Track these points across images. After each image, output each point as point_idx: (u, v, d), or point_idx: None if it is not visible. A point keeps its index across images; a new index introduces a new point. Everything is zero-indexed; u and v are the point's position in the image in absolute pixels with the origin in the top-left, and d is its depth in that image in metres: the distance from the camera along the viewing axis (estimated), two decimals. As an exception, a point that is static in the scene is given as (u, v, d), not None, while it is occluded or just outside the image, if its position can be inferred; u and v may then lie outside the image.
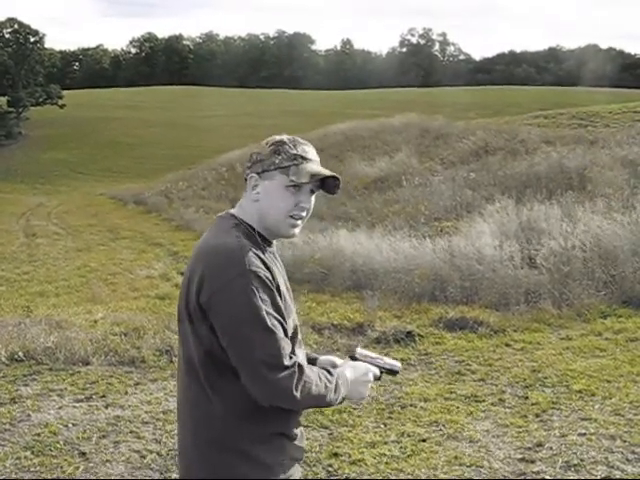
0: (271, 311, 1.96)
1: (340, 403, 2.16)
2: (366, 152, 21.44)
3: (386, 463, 4.35)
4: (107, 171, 44.27)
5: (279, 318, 1.98)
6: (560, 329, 7.45)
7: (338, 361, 2.31)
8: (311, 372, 2.02)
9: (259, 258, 1.99)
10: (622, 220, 9.48)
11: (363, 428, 4.94)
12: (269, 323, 1.94)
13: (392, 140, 21.66)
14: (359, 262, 9.97)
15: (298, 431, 2.15)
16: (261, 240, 2.07)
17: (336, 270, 10.08)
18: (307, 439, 4.66)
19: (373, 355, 2.32)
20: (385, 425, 5.01)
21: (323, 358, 2.33)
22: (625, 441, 4.55)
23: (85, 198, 31.95)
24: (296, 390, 1.95)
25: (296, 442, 2.13)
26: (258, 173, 2.08)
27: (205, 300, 1.95)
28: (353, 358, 2.28)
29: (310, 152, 2.13)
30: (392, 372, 2.34)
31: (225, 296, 1.94)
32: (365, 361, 2.27)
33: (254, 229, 2.08)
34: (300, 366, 1.98)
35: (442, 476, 4.14)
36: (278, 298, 2.00)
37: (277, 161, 2.06)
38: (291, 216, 2.09)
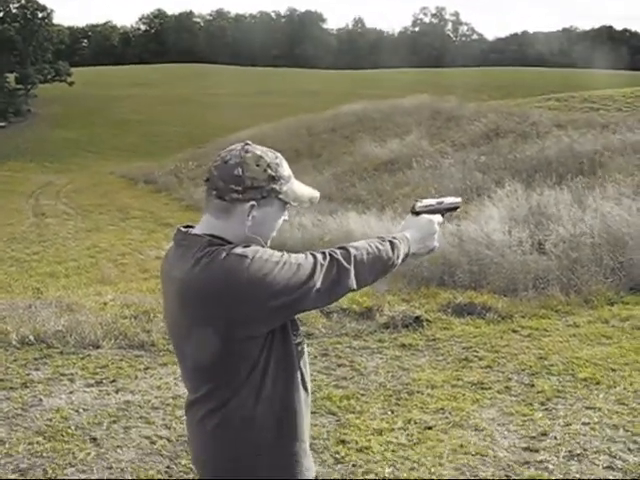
0: (287, 261, 1.94)
1: (405, 260, 2.19)
2: (377, 133, 21.38)
3: (392, 451, 4.41)
4: (116, 149, 44.24)
5: (299, 262, 1.96)
6: (567, 316, 7.47)
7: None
8: (356, 244, 2.05)
9: (246, 246, 1.96)
10: (632, 206, 9.46)
11: (370, 415, 5.00)
12: (293, 270, 1.93)
13: (403, 122, 21.57)
14: (368, 245, 9.98)
15: None
16: None
17: (345, 253, 10.10)
18: (315, 425, 4.74)
19: (433, 202, 2.36)
20: (392, 412, 5.06)
21: None
22: (628, 430, 4.59)
23: (94, 177, 31.98)
24: (349, 265, 1.99)
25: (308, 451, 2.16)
26: (257, 200, 1.99)
27: (243, 318, 1.91)
28: (415, 213, 2.31)
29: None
30: (455, 208, 2.40)
31: (257, 304, 1.91)
32: (427, 211, 2.31)
33: (231, 242, 2.01)
34: (333, 251, 2.01)
35: (447, 464, 4.19)
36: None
37: (277, 187, 2.01)
38: None
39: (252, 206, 1.98)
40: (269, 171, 2.00)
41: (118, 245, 14.43)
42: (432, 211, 2.33)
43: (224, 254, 1.92)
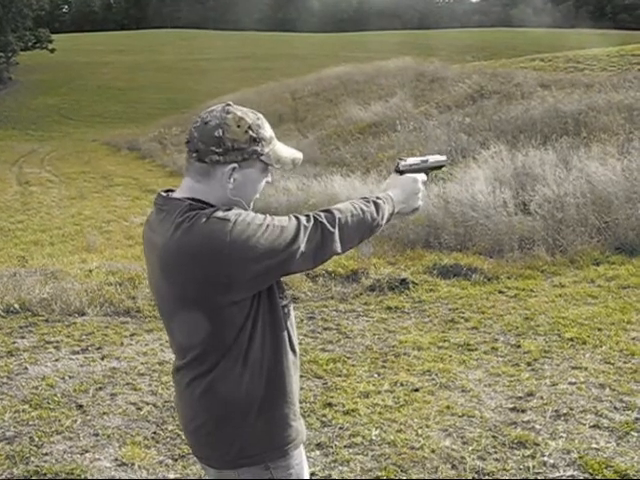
0: (271, 223, 1.91)
1: (390, 220, 2.20)
2: (361, 96, 21.22)
3: (379, 413, 4.41)
4: (99, 117, 43.77)
5: (282, 224, 1.92)
6: (553, 276, 7.48)
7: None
8: (340, 206, 2.03)
9: (229, 209, 1.92)
10: (616, 166, 9.44)
11: (357, 378, 5.00)
12: (276, 233, 1.89)
13: (387, 84, 21.41)
14: (353, 209, 9.95)
15: None
16: None
17: (330, 217, 10.06)
18: (301, 389, 4.73)
19: (417, 161, 2.33)
20: (379, 374, 5.07)
21: None
22: (614, 390, 4.62)
23: (78, 144, 31.66)
24: (333, 228, 1.96)
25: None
26: (238, 162, 1.94)
27: (225, 282, 1.86)
28: (399, 172, 2.28)
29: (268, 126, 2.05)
30: (440, 167, 2.37)
31: (239, 266, 1.86)
32: (411, 170, 2.29)
33: (213, 205, 1.96)
34: (317, 214, 1.98)
35: (434, 426, 4.20)
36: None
37: (258, 149, 1.96)
38: None
39: (233, 168, 1.94)
40: (250, 132, 1.95)
41: (103, 212, 14.31)
42: (416, 170, 2.29)
43: (205, 218, 1.87)
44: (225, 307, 1.90)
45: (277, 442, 2.03)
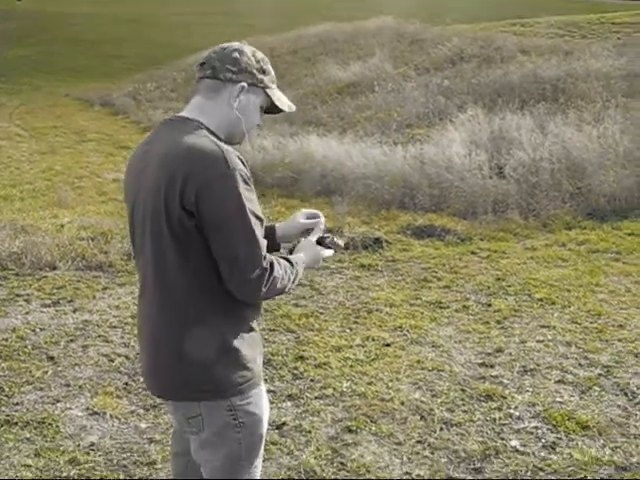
0: (254, 210, 2.01)
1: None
2: (339, 56, 20.98)
3: (350, 366, 4.47)
4: (71, 70, 42.70)
5: (261, 217, 2.04)
6: (525, 239, 7.57)
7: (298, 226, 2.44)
8: (279, 268, 2.08)
9: (238, 158, 2.01)
10: (592, 133, 9.50)
11: (329, 332, 5.04)
12: (252, 222, 1.99)
13: (366, 44, 21.17)
14: (329, 167, 9.93)
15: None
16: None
17: (306, 175, 10.04)
18: (274, 342, 4.77)
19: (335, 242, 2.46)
20: (351, 330, 5.11)
21: (282, 227, 2.45)
22: (580, 348, 4.72)
23: (49, 98, 30.96)
24: (265, 287, 2.03)
25: (259, 335, 2.25)
26: (247, 84, 2.12)
27: (193, 201, 1.95)
28: (319, 243, 2.39)
29: None
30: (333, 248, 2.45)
31: (211, 195, 1.95)
32: (325, 244, 2.40)
33: (214, 133, 2.08)
34: (272, 265, 2.05)
35: (404, 379, 4.27)
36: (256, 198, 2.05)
37: (265, 80, 2.17)
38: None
39: (242, 87, 2.11)
40: (262, 64, 2.16)
41: (75, 168, 14.07)
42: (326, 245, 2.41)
43: (216, 146, 1.99)
44: (193, 230, 1.98)
45: (238, 380, 2.12)
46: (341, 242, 2.48)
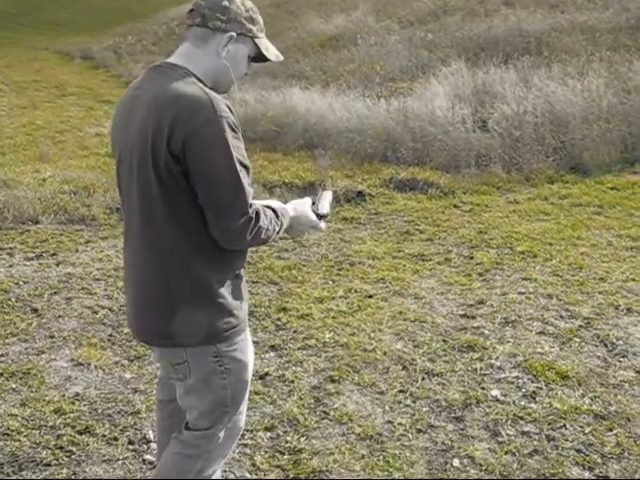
0: (241, 158, 2.00)
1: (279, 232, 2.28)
2: (322, 9, 20.71)
3: (333, 317, 4.50)
4: (51, 23, 41.93)
5: (247, 165, 2.04)
6: (508, 193, 7.59)
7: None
8: (264, 218, 2.09)
9: (226, 106, 2.00)
10: (576, 87, 9.47)
11: (312, 284, 5.07)
12: (238, 169, 1.99)
13: (350, -4, 20.89)
14: (312, 121, 9.87)
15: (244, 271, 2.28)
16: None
17: (289, 129, 9.98)
18: (257, 294, 4.80)
19: (325, 211, 2.45)
20: (333, 282, 5.14)
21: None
22: (561, 300, 4.77)
23: (28, 52, 30.42)
24: (249, 235, 2.04)
25: (244, 283, 2.26)
26: (236, 33, 2.11)
27: (180, 147, 1.95)
28: (316, 214, 2.39)
29: None
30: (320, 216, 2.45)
31: (198, 140, 1.94)
32: (320, 215, 2.40)
33: (201, 80, 2.08)
34: (257, 214, 2.05)
35: (386, 330, 4.31)
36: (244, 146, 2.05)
37: (254, 30, 2.16)
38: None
39: (231, 37, 2.10)
40: (251, 13, 2.15)
41: (56, 122, 13.90)
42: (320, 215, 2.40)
43: (204, 93, 1.98)
44: (178, 175, 1.98)
45: (224, 326, 2.14)
46: (325, 211, 2.45)
